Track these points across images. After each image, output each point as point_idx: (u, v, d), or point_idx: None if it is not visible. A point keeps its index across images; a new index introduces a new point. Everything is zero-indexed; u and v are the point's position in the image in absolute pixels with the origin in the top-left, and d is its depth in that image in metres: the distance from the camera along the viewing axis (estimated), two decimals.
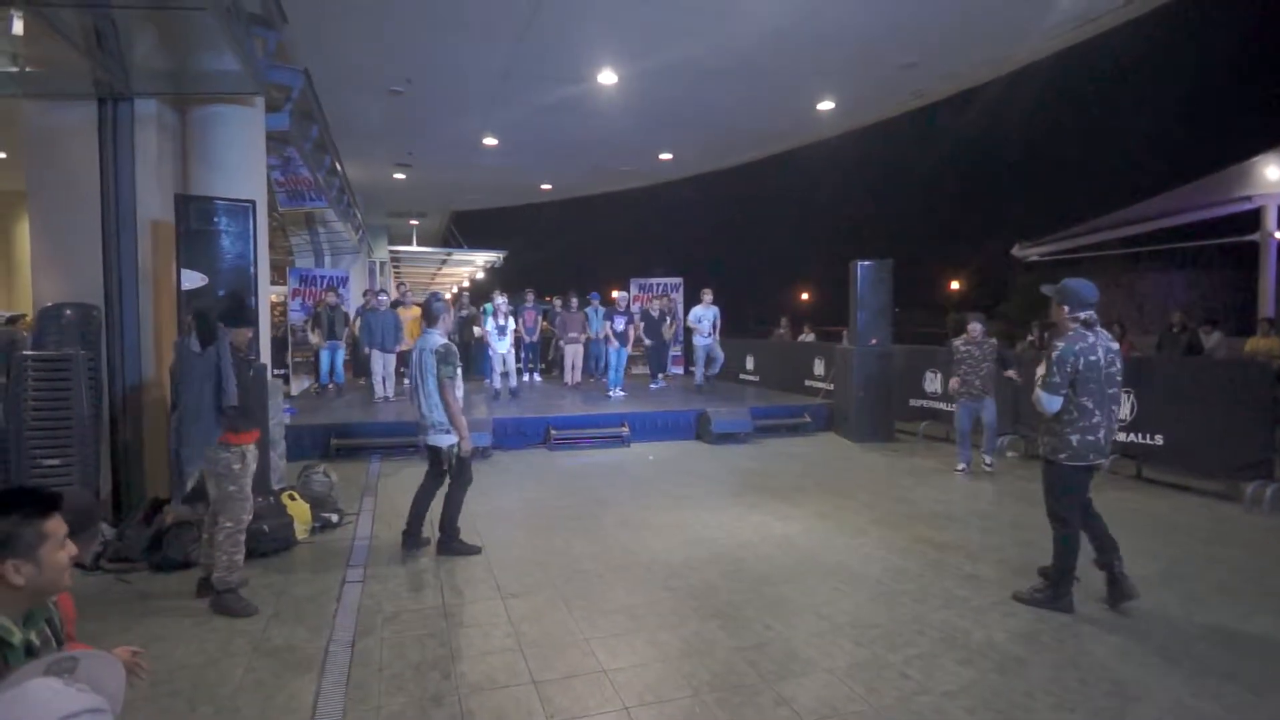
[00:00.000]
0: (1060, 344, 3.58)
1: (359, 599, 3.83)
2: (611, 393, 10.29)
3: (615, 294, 12.12)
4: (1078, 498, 3.69)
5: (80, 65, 4.88)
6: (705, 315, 10.59)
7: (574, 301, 11.90)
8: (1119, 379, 3.61)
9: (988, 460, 7.00)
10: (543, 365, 13.24)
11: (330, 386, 10.74)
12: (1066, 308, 3.63)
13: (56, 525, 1.59)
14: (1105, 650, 3.23)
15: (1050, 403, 3.57)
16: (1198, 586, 3.98)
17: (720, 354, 10.82)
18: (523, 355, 12.27)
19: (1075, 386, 3.53)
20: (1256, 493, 5.64)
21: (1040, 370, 3.67)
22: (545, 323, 12.88)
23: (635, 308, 12.25)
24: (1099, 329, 3.61)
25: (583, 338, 11.64)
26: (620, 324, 10.48)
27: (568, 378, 11.64)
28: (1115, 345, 3.62)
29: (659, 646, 3.26)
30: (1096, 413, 3.53)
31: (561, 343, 11.80)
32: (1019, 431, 7.75)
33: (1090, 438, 3.54)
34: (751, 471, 7.11)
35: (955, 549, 4.65)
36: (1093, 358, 3.51)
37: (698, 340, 10.64)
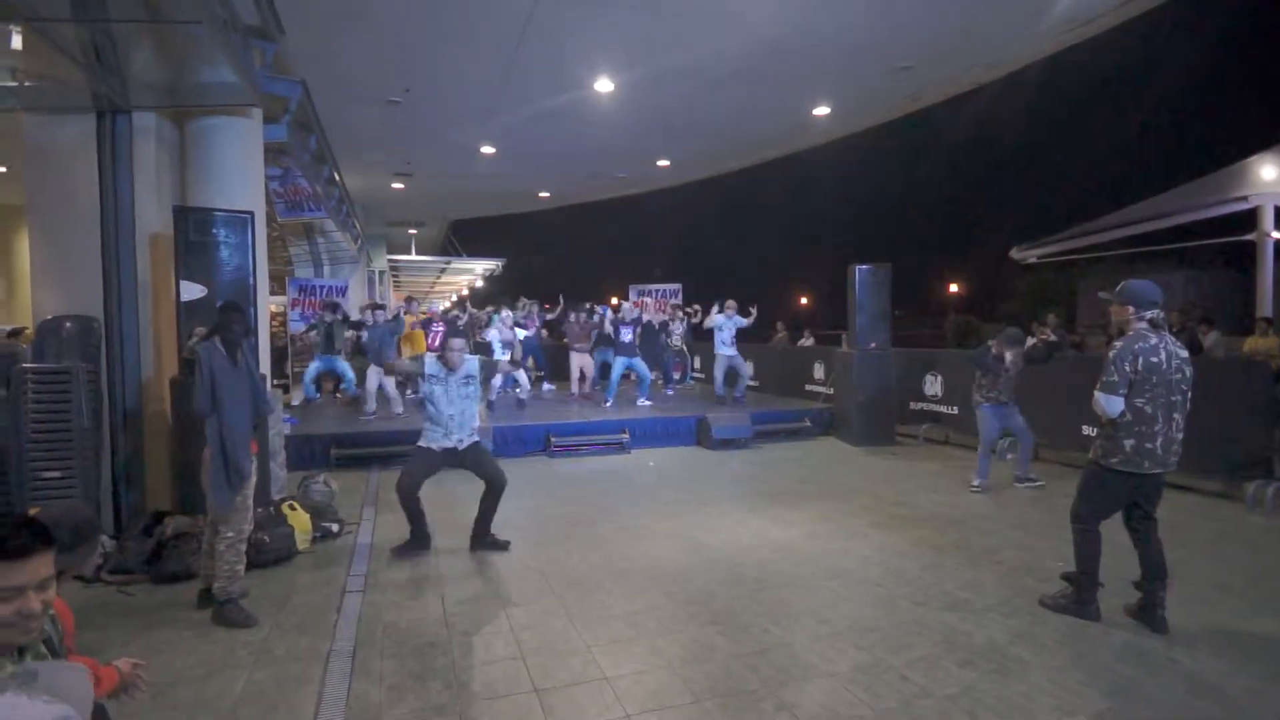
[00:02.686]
0: (1119, 343, 3.45)
1: (360, 609, 3.82)
2: (640, 402, 10.12)
3: (618, 303, 11.93)
4: (1107, 504, 3.56)
5: (79, 79, 4.91)
6: (726, 324, 10.24)
7: (583, 311, 11.69)
8: (1185, 387, 3.41)
9: (1033, 478, 6.43)
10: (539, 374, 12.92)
11: (339, 395, 10.62)
12: (1131, 308, 3.46)
13: (4, 572, 1.44)
14: (1107, 651, 3.23)
15: (1109, 403, 3.39)
16: (1199, 586, 3.98)
17: (745, 370, 10.44)
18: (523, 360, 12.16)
19: (1133, 389, 3.36)
20: (1258, 492, 5.64)
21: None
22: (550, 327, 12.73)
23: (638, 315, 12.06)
24: (1165, 333, 3.47)
25: (589, 346, 11.18)
26: (628, 334, 10.35)
27: (575, 388, 11.17)
28: (1184, 352, 3.44)
29: (660, 653, 3.26)
30: (1158, 418, 3.35)
31: (572, 352, 11.29)
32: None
33: (1148, 445, 3.36)
34: (751, 477, 7.11)
35: (955, 551, 4.65)
36: (1154, 359, 3.34)
37: (719, 350, 10.37)
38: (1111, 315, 3.65)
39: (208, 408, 3.60)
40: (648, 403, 10.03)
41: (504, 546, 4.79)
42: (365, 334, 9.73)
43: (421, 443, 4.77)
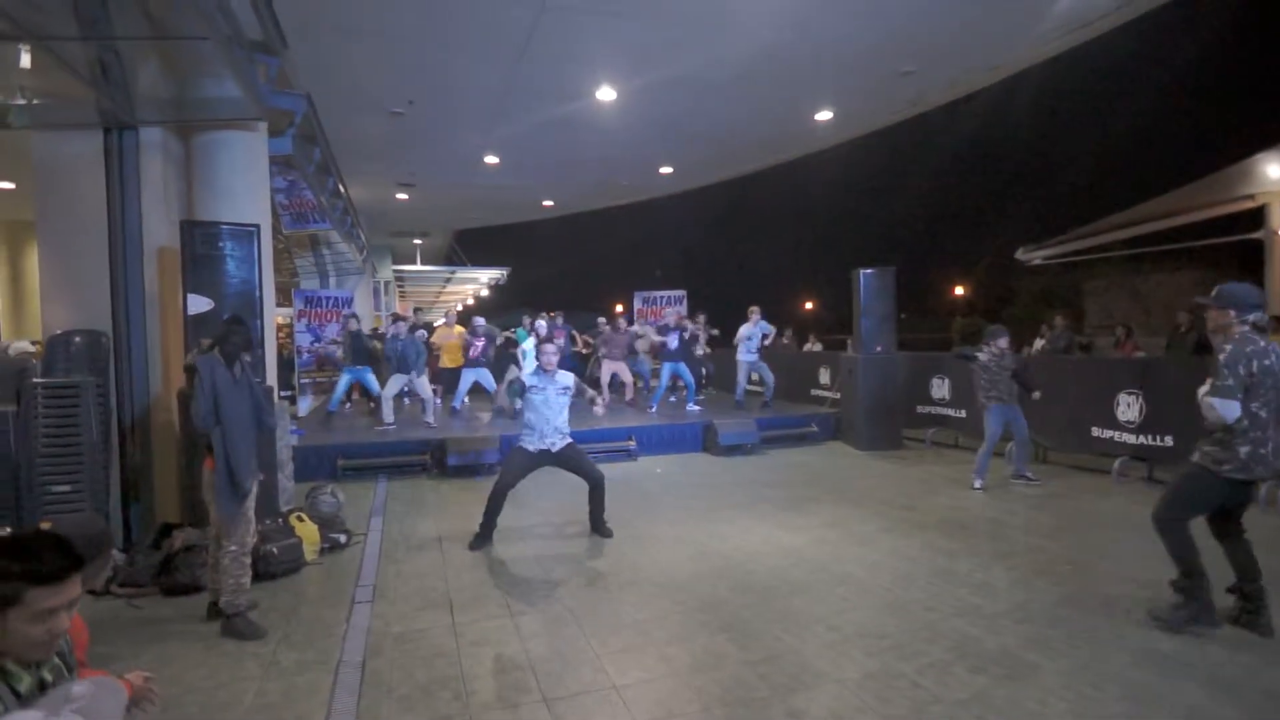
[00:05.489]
0: (1228, 346, 3.29)
1: (368, 620, 3.82)
2: (689, 408, 10.24)
3: (666, 312, 12.14)
4: (1201, 510, 3.45)
5: (86, 96, 4.97)
6: (753, 333, 10.31)
7: (621, 322, 11.65)
8: None
9: (1030, 476, 6.56)
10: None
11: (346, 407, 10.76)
12: (1233, 311, 3.33)
13: (43, 596, 1.43)
14: (1119, 655, 3.19)
15: (1227, 409, 3.21)
16: (1213, 589, 3.93)
17: (770, 375, 10.44)
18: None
19: (1248, 393, 3.21)
20: (1270, 493, 5.59)
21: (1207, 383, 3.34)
22: (586, 340, 12.74)
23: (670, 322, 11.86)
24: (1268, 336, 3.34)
25: (623, 354, 11.17)
26: (674, 341, 10.38)
27: (606, 395, 10.87)
28: None
29: (669, 661, 3.24)
30: (1269, 424, 3.25)
31: (605, 360, 11.28)
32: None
33: (1261, 450, 3.25)
34: (759, 482, 7.09)
35: (966, 556, 4.62)
36: (1267, 362, 3.21)
37: (740, 357, 10.41)
38: (1209, 320, 3.51)
39: (210, 421, 3.63)
40: (696, 408, 10.23)
41: (608, 534, 5.28)
42: (388, 345, 9.78)
43: (519, 444, 5.22)
